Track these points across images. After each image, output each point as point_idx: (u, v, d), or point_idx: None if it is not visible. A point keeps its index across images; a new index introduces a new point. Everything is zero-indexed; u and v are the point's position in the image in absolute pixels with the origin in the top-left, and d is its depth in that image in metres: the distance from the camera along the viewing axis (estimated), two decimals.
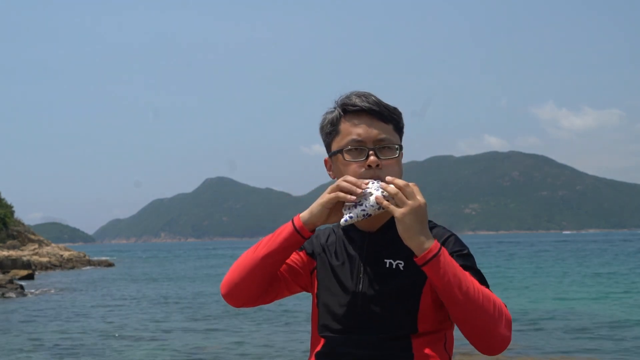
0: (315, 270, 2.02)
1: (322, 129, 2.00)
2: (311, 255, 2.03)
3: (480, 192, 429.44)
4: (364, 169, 1.88)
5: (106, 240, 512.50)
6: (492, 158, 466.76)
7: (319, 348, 1.96)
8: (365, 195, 1.82)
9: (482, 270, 1.88)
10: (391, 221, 1.94)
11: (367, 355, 1.87)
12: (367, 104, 1.91)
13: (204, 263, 57.02)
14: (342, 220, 1.83)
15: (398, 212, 1.76)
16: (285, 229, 1.90)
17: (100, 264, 52.00)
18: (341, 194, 1.82)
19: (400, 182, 1.78)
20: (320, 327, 1.98)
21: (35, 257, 44.31)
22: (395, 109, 1.95)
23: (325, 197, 1.85)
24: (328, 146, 1.99)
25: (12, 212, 52.84)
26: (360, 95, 1.93)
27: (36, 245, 49.90)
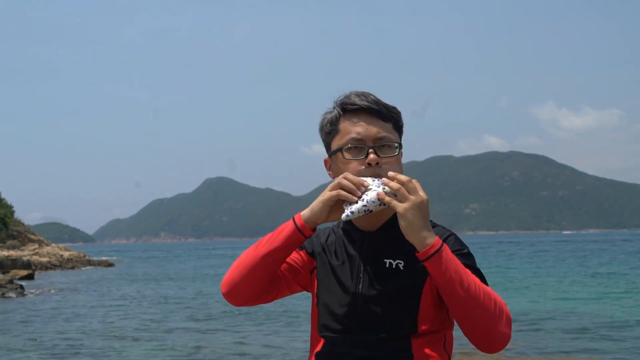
0: (315, 270, 2.02)
1: (321, 128, 2.00)
2: (311, 254, 2.03)
3: (480, 192, 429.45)
4: (363, 167, 1.88)
5: (106, 240, 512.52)
6: (492, 158, 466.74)
7: (319, 348, 1.96)
8: (366, 191, 1.82)
9: (482, 270, 1.88)
10: (391, 220, 1.95)
11: (367, 355, 1.87)
12: (366, 103, 1.91)
13: (204, 263, 57.01)
14: (344, 215, 1.83)
15: (400, 207, 1.76)
16: (286, 228, 1.90)
17: (100, 264, 51.99)
18: (342, 192, 1.82)
19: (402, 177, 1.78)
20: (320, 327, 1.98)
21: (35, 257, 44.30)
22: (394, 108, 1.95)
23: (326, 194, 1.85)
24: (328, 146, 1.99)
25: (12, 212, 52.84)
26: (359, 94, 1.94)
27: (36, 245, 49.90)
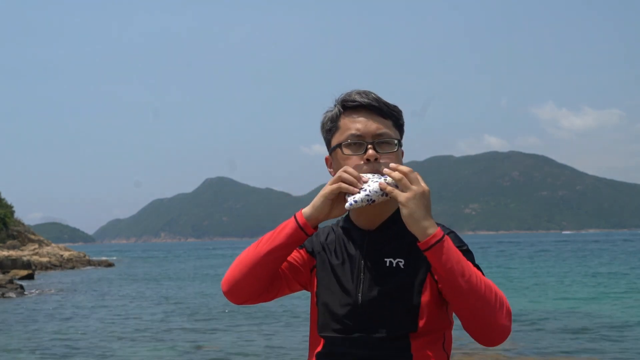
0: (315, 269, 2.02)
1: (322, 126, 2.02)
2: (311, 253, 2.03)
3: (480, 192, 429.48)
4: (362, 163, 1.89)
5: (106, 240, 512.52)
6: (492, 158, 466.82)
7: (319, 348, 1.96)
8: (368, 182, 1.83)
9: (482, 270, 1.88)
10: (391, 219, 1.95)
11: (367, 355, 1.87)
12: (366, 100, 1.93)
13: (204, 263, 57.02)
14: (347, 204, 1.83)
15: (402, 196, 1.76)
16: (288, 225, 1.89)
17: (100, 264, 52.00)
18: (343, 185, 1.83)
19: (404, 168, 1.80)
20: (319, 327, 1.98)
21: (35, 257, 44.31)
22: (395, 106, 1.96)
23: (327, 188, 1.86)
24: (328, 143, 2.01)
25: (12, 212, 52.84)
26: (360, 92, 1.95)
27: (36, 245, 49.90)
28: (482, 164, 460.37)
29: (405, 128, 2.01)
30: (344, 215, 2.06)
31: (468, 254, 1.88)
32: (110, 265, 51.99)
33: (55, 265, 46.38)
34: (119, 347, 12.38)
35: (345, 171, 1.84)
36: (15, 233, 49.65)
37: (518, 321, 14.13)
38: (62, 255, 50.42)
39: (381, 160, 1.88)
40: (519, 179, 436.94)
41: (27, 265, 37.41)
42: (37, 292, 25.89)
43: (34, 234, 54.37)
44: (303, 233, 1.88)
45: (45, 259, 45.86)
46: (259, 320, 15.75)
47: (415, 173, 1.79)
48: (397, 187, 1.79)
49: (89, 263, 51.60)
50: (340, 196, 1.86)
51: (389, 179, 1.80)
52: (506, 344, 11.44)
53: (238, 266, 1.93)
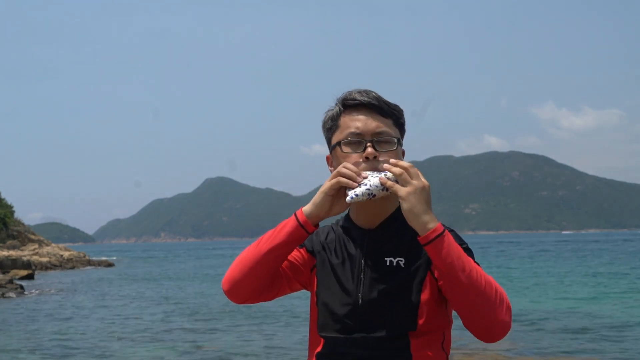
0: (315, 268, 2.02)
1: (323, 125, 2.02)
2: (311, 252, 2.03)
3: (480, 192, 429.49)
4: (361, 161, 1.89)
5: (106, 240, 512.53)
6: (492, 158, 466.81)
7: (319, 349, 1.96)
8: (368, 177, 1.84)
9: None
10: (390, 218, 1.96)
11: (367, 355, 1.87)
12: (366, 99, 1.93)
13: (204, 263, 57.04)
14: (348, 198, 1.83)
15: (403, 190, 1.77)
16: (288, 224, 1.89)
17: (100, 264, 52.02)
18: (342, 179, 1.84)
19: (404, 163, 1.81)
20: (319, 327, 1.97)
21: (35, 257, 44.32)
22: (396, 105, 1.97)
23: (326, 184, 1.86)
24: (329, 141, 2.01)
25: (12, 212, 52.85)
26: (361, 91, 1.96)
27: (36, 245, 49.91)
28: (482, 164, 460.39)
29: (406, 128, 2.01)
30: (344, 215, 2.07)
31: (468, 252, 1.87)
32: (110, 265, 52.00)
33: (55, 265, 46.39)
34: (119, 347, 12.38)
35: (344, 166, 1.85)
36: (15, 233, 49.66)
37: (518, 321, 14.13)
38: (62, 255, 50.43)
39: (380, 159, 1.89)
40: (519, 179, 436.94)
41: (27, 265, 37.42)
42: (37, 292, 25.90)
43: (34, 234, 54.38)
44: (304, 231, 1.88)
45: (45, 259, 45.87)
46: (259, 320, 15.75)
47: (415, 168, 1.79)
48: (397, 182, 1.80)
49: (89, 263, 51.63)
50: (340, 193, 1.87)
51: (389, 174, 1.81)
52: (506, 344, 11.44)
53: (239, 265, 1.93)
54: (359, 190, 1.82)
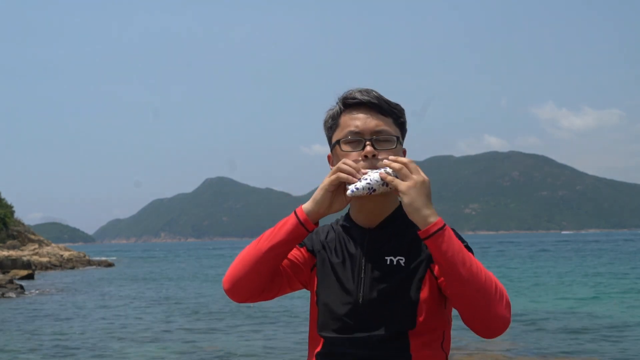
0: (315, 268, 2.02)
1: (324, 123, 2.03)
2: (311, 252, 2.03)
3: (480, 192, 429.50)
4: (360, 159, 1.90)
5: (106, 240, 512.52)
6: (492, 158, 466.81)
7: (319, 348, 1.96)
8: (368, 173, 1.85)
9: None
10: (390, 217, 1.96)
11: (367, 355, 1.87)
12: (366, 98, 1.94)
13: (204, 263, 57.04)
14: (349, 191, 1.83)
15: (403, 185, 1.78)
16: (288, 222, 1.90)
17: (100, 264, 52.02)
18: (342, 175, 1.84)
19: (403, 159, 1.82)
20: (319, 326, 1.97)
21: (35, 257, 44.31)
22: (397, 104, 1.98)
23: (326, 180, 1.87)
24: (330, 140, 2.02)
25: (12, 212, 52.85)
26: (361, 90, 1.97)
27: (36, 245, 49.90)
28: (482, 164, 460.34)
29: (407, 127, 2.02)
30: (343, 214, 2.07)
31: (468, 250, 1.88)
32: (110, 265, 52.00)
33: (55, 265, 46.38)
34: (119, 347, 12.37)
35: (344, 162, 1.87)
36: (15, 233, 49.66)
37: (518, 321, 14.13)
38: (62, 255, 50.42)
39: (379, 157, 1.89)
40: (519, 179, 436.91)
41: (27, 265, 37.42)
42: (37, 292, 25.90)
43: (34, 234, 54.38)
44: (303, 229, 1.88)
45: (45, 259, 45.87)
46: (259, 320, 15.75)
47: (415, 164, 1.81)
48: (397, 177, 1.81)
49: (89, 263, 51.63)
50: (340, 190, 1.88)
51: (389, 170, 1.82)
52: (506, 344, 11.45)
53: (239, 264, 1.93)
54: (359, 185, 1.82)
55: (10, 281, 27.02)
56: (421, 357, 1.87)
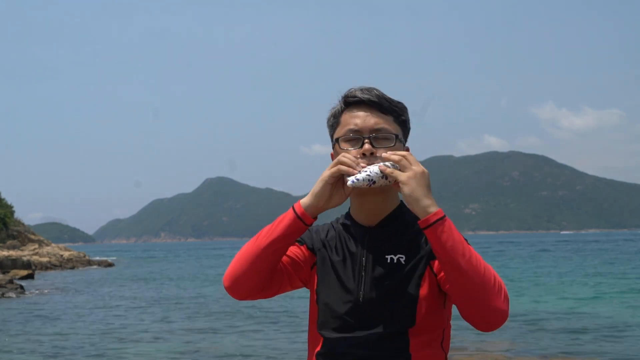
0: (315, 266, 2.02)
1: (327, 122, 2.05)
2: (312, 250, 2.03)
3: (480, 192, 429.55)
4: (359, 157, 1.90)
5: (106, 240, 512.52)
6: (492, 158, 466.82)
7: (318, 348, 1.96)
8: (368, 165, 1.86)
9: None
10: (391, 216, 1.97)
11: (367, 355, 1.87)
12: (366, 96, 1.95)
13: (204, 263, 57.06)
14: (349, 182, 1.84)
15: (403, 175, 1.80)
16: (286, 217, 1.90)
17: (100, 264, 52.05)
18: (342, 167, 1.85)
19: (401, 152, 1.84)
20: (319, 325, 1.97)
21: (35, 257, 44.32)
22: (398, 102, 1.99)
23: (326, 172, 1.87)
24: (332, 138, 2.03)
25: (12, 212, 52.85)
26: (363, 88, 1.98)
27: (36, 245, 49.91)
28: (482, 164, 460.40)
29: (410, 126, 2.03)
30: (344, 213, 2.07)
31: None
32: (110, 265, 52.03)
33: (55, 265, 46.39)
34: (119, 347, 12.38)
35: (344, 155, 1.88)
36: (15, 233, 49.66)
37: (518, 321, 14.14)
38: (62, 255, 50.43)
39: (378, 155, 1.90)
40: (519, 179, 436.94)
41: (27, 265, 37.43)
42: (37, 292, 25.90)
43: (34, 234, 54.38)
44: (302, 223, 1.89)
45: (45, 259, 45.88)
46: (259, 320, 15.75)
47: (413, 156, 1.83)
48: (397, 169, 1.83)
49: (89, 263, 51.64)
50: (339, 183, 1.88)
51: (388, 164, 1.83)
52: (506, 344, 11.45)
53: (239, 261, 1.93)
54: (359, 176, 1.83)
55: (10, 281, 27.03)
56: (421, 357, 1.87)
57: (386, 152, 1.89)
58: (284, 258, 1.98)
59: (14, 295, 23.92)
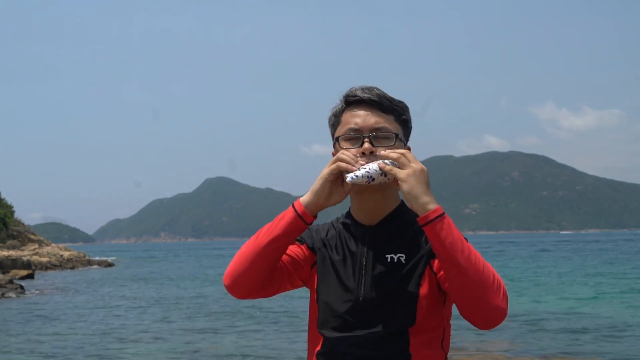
0: (316, 265, 2.02)
1: (328, 121, 2.05)
2: (312, 249, 2.03)
3: (480, 192, 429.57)
4: (359, 156, 1.91)
5: (106, 240, 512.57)
6: (492, 158, 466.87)
7: (319, 347, 1.96)
8: (367, 163, 1.86)
9: None
10: (391, 215, 1.97)
11: (367, 355, 1.87)
12: (367, 95, 1.96)
13: (203, 263, 57.06)
14: (348, 178, 1.84)
15: (402, 172, 1.80)
16: (286, 215, 1.90)
17: (100, 264, 52.05)
18: (342, 164, 1.86)
19: (400, 150, 1.85)
20: (319, 324, 1.97)
21: (35, 257, 44.32)
22: (399, 102, 1.99)
23: (325, 170, 1.88)
24: (333, 137, 2.03)
25: (12, 212, 52.85)
26: (363, 88, 1.98)
27: (36, 245, 49.91)
28: (482, 164, 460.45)
29: (412, 125, 2.03)
30: (344, 213, 2.07)
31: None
32: (110, 265, 52.03)
33: (55, 265, 46.40)
34: (119, 347, 12.38)
35: (343, 153, 1.88)
36: (15, 233, 49.66)
37: (518, 321, 14.13)
38: (62, 255, 50.43)
39: (377, 154, 1.90)
40: (519, 179, 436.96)
41: (27, 265, 37.42)
42: (37, 292, 25.90)
43: (34, 234, 54.38)
44: (301, 221, 1.89)
45: (45, 259, 45.88)
46: (259, 320, 15.75)
47: (412, 154, 1.84)
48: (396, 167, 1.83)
49: (89, 263, 51.65)
50: (339, 181, 1.88)
51: (387, 161, 1.84)
52: (506, 344, 11.45)
53: (239, 259, 1.93)
54: (358, 172, 1.84)
55: (10, 281, 27.03)
56: (421, 356, 1.87)
57: (385, 151, 1.89)
58: (284, 257, 1.98)
59: (14, 295, 23.92)
